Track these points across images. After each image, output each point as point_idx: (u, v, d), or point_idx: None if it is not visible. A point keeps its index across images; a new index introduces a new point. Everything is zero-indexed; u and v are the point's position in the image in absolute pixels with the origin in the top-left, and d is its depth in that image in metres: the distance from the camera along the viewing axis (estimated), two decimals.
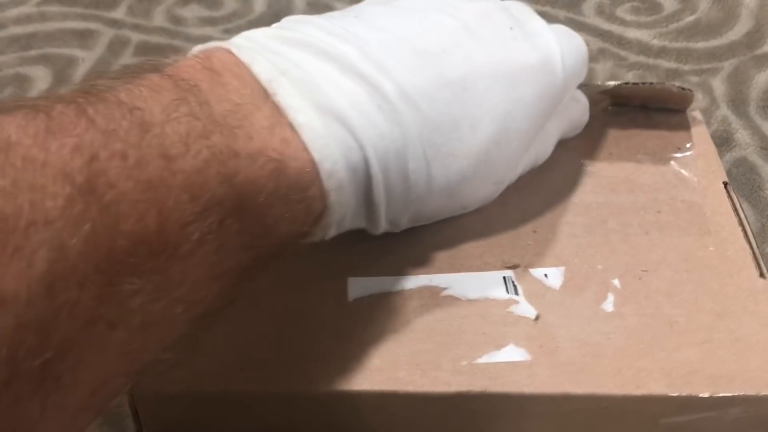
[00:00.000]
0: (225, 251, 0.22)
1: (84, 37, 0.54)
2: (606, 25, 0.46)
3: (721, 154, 0.38)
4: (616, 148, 0.36)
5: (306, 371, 0.28)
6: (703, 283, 0.30)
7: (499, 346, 0.28)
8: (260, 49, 0.26)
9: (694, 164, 0.35)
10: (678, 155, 0.36)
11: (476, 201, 0.32)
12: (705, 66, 0.43)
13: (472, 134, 0.28)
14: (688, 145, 0.36)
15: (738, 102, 0.41)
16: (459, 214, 0.32)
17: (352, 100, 0.26)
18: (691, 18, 0.46)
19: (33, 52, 0.53)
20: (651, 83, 0.38)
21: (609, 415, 0.27)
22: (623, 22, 0.46)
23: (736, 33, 0.45)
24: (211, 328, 0.24)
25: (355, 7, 0.30)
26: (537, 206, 0.34)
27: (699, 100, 0.41)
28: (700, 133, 0.37)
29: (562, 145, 0.36)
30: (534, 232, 0.33)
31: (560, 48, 0.31)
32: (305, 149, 0.24)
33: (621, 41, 0.45)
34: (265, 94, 0.24)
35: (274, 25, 0.28)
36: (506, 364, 0.28)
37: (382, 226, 0.29)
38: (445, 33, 0.29)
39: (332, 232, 0.28)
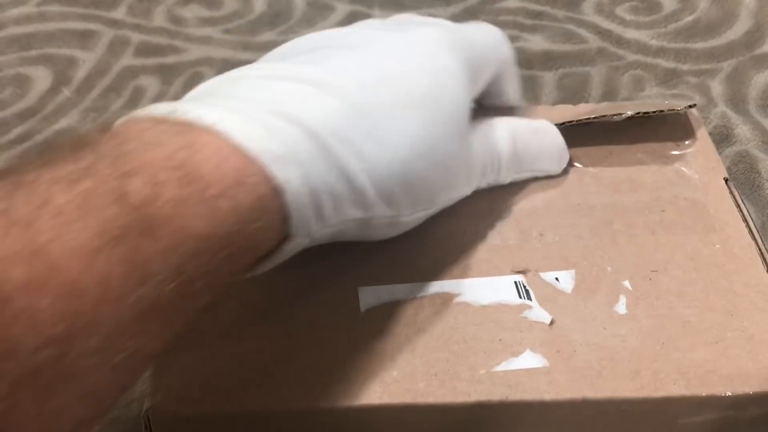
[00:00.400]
0: (151, 281, 0.20)
1: (84, 38, 0.53)
2: (605, 24, 0.46)
3: (721, 149, 0.39)
4: (616, 147, 0.36)
5: (323, 386, 0.27)
6: (712, 282, 0.30)
7: (515, 353, 0.28)
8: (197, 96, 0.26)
9: (695, 161, 0.36)
10: (678, 152, 0.36)
11: (450, 158, 0.30)
12: (704, 66, 0.43)
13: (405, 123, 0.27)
14: (687, 142, 0.36)
15: (737, 101, 0.41)
16: (449, 186, 0.31)
17: (275, 90, 0.25)
18: (690, 18, 0.46)
19: (33, 53, 0.52)
20: (649, 112, 0.38)
21: (628, 417, 0.28)
22: (622, 22, 0.47)
23: (735, 33, 0.45)
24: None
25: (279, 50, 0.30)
26: (542, 209, 0.34)
27: (695, 98, 0.41)
28: (698, 129, 0.37)
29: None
30: (541, 235, 0.33)
31: (462, 23, 0.32)
32: (225, 143, 0.22)
33: (620, 41, 0.45)
34: (164, 117, 0.23)
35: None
36: (524, 370, 0.28)
37: (377, 209, 0.27)
38: (387, 52, 0.29)
39: (316, 226, 0.25)
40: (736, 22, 0.46)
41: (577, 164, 0.36)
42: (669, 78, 0.43)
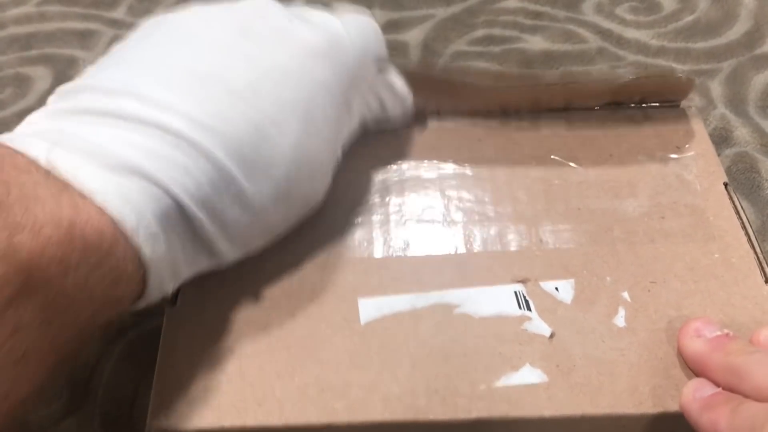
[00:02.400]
0: (24, 332, 0.21)
1: (84, 37, 0.52)
2: (605, 24, 0.46)
3: (720, 150, 0.39)
4: (617, 150, 0.36)
5: (324, 403, 0.28)
6: (710, 294, 0.31)
7: (515, 367, 0.28)
8: (35, 132, 0.25)
9: (695, 165, 0.35)
10: (677, 156, 0.36)
11: (315, 192, 0.31)
12: (704, 66, 0.43)
13: (281, 136, 0.28)
14: (687, 146, 0.36)
15: (737, 102, 0.41)
16: (308, 209, 0.31)
17: (144, 150, 0.25)
18: (690, 18, 0.46)
19: (33, 52, 0.51)
20: (650, 75, 0.38)
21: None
22: (622, 22, 0.46)
23: (735, 33, 0.45)
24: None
25: (126, 50, 0.29)
26: (542, 214, 0.34)
27: (695, 99, 0.41)
28: (698, 130, 0.37)
29: (561, 145, 0.36)
30: (541, 241, 0.33)
31: (342, 23, 0.31)
32: (101, 212, 0.23)
33: (620, 41, 0.45)
34: (46, 172, 0.23)
35: (51, 99, 0.27)
36: (524, 386, 0.28)
37: (230, 255, 0.28)
38: (221, 46, 0.28)
39: (169, 284, 0.27)
40: (736, 23, 0.45)
41: (576, 165, 0.35)
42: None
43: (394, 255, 0.32)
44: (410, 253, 0.32)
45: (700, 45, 0.44)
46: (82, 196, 0.23)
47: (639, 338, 0.29)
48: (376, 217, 0.34)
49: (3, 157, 0.23)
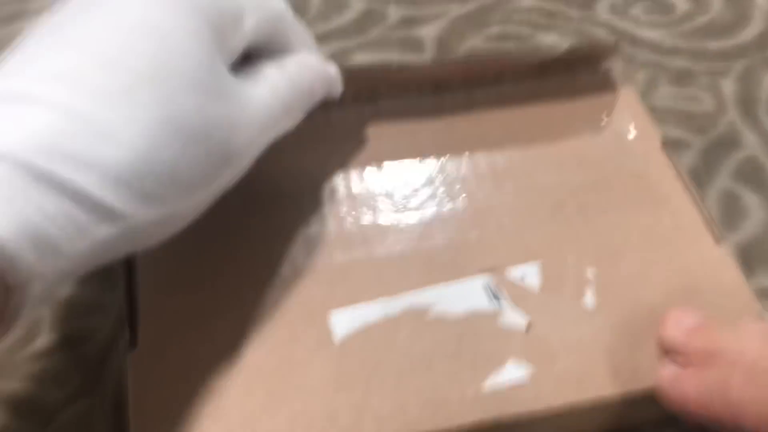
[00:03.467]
0: None
1: None
2: (619, 24, 0.46)
3: (729, 150, 0.40)
4: (553, 123, 0.36)
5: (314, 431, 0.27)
6: (669, 261, 0.31)
7: (499, 365, 0.28)
8: None
9: (630, 127, 0.36)
10: (612, 121, 0.36)
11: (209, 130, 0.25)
12: (716, 67, 0.44)
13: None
14: (618, 109, 0.36)
15: (748, 103, 0.42)
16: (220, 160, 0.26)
17: None
18: (703, 18, 0.47)
19: None
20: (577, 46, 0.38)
21: (619, 411, 0.28)
22: (637, 21, 0.46)
23: (748, 34, 0.46)
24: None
25: None
26: (496, 195, 0.33)
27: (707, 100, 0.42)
28: (627, 93, 0.37)
29: (498, 125, 0.36)
30: (499, 227, 0.32)
31: None
32: None
33: (634, 40, 0.45)
34: None
35: None
36: (511, 384, 0.28)
37: (133, 209, 0.23)
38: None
39: (52, 263, 0.21)
40: (749, 24, 0.46)
41: (517, 143, 0.35)
42: (682, 78, 0.43)
43: (355, 259, 0.31)
44: (372, 255, 0.31)
45: (713, 45, 0.45)
46: None
47: (611, 318, 0.30)
48: (329, 222, 0.32)
49: None
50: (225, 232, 0.31)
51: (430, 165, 0.34)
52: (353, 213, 0.32)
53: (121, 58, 0.23)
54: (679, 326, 0.28)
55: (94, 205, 0.22)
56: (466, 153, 0.35)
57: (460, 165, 0.34)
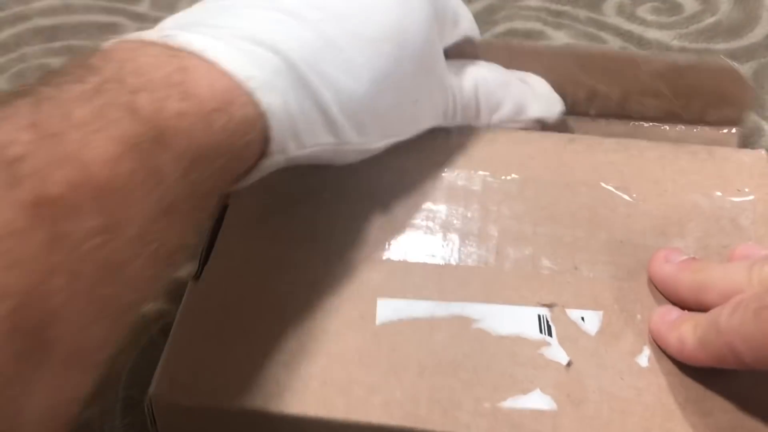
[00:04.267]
0: (166, 182, 0.22)
1: (108, 30, 0.54)
2: (626, 25, 0.47)
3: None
4: (673, 185, 0.35)
5: (324, 397, 0.27)
6: None
7: (525, 391, 0.28)
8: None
9: (753, 210, 0.34)
10: (737, 200, 0.34)
11: (420, 101, 0.33)
12: None
13: (381, 14, 0.30)
14: (748, 189, 0.34)
15: (757, 105, 0.42)
16: (414, 121, 0.33)
17: (251, 21, 0.27)
18: (711, 19, 0.46)
19: (57, 44, 0.53)
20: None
21: None
22: (644, 22, 0.47)
23: (756, 35, 0.45)
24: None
25: None
26: (583, 240, 0.33)
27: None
28: (763, 173, 0.35)
29: (615, 174, 0.35)
30: (575, 269, 0.32)
31: None
32: (214, 65, 0.24)
33: (641, 41, 0.45)
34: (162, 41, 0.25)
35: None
36: (530, 411, 0.27)
37: (347, 133, 0.29)
38: None
39: (291, 145, 0.27)
40: (757, 25, 0.45)
41: (627, 197, 0.34)
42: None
43: (421, 261, 0.32)
44: (438, 261, 0.32)
45: (721, 46, 0.44)
46: (193, 56, 0.24)
47: (660, 381, 0.28)
48: (409, 221, 0.33)
49: (119, 44, 0.25)
50: (309, 210, 0.34)
51: (527, 196, 0.34)
52: (435, 220, 0.33)
53: (369, 14, 0.29)
54: (668, 261, 0.30)
55: (328, 120, 0.28)
56: (570, 193, 0.34)
57: (559, 202, 0.34)
